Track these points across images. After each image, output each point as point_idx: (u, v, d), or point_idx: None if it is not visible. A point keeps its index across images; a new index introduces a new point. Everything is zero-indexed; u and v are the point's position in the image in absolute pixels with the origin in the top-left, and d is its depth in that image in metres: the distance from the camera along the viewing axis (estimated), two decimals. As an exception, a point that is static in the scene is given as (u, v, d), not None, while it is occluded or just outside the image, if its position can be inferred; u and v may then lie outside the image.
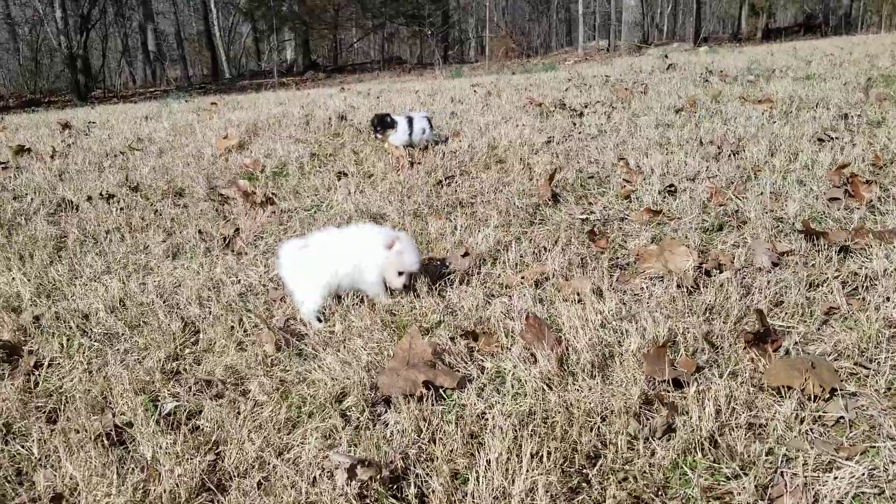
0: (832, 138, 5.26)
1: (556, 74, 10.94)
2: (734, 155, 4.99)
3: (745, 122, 5.93)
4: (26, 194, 5.18)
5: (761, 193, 4.08)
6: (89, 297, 3.29)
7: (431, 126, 5.94)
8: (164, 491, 1.94)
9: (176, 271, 3.57)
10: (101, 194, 4.84)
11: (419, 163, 5.43)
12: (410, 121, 5.79)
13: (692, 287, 2.97)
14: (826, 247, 3.19)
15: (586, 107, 7.24)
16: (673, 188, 4.37)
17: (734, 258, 3.21)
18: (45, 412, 2.43)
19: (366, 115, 7.48)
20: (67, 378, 2.63)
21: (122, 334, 2.96)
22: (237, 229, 4.12)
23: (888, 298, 2.71)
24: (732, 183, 4.38)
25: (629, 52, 24.73)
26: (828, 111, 6.09)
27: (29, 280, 3.56)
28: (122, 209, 4.67)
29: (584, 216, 4.06)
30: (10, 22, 37.73)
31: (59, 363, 2.77)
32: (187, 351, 2.80)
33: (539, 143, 5.88)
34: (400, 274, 2.98)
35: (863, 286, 2.89)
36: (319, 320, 2.96)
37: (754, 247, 3.28)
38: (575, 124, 6.51)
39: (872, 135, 5.23)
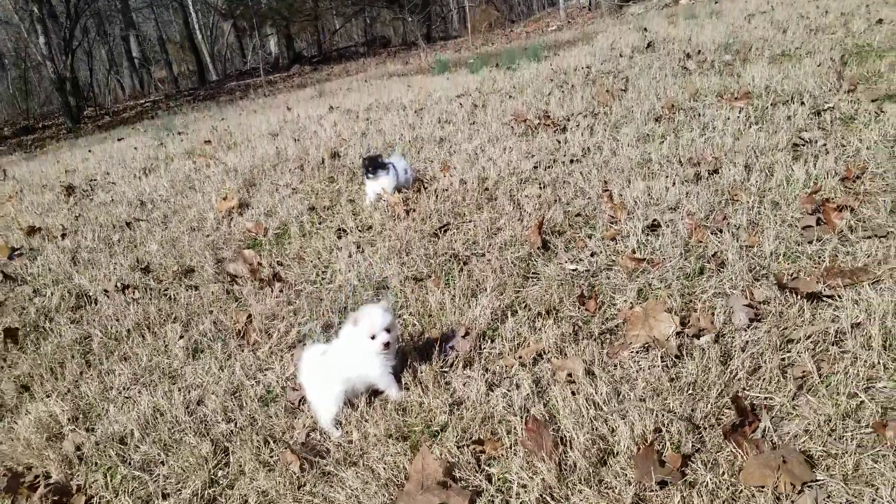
0: (806, 142, 5.43)
1: (538, 70, 11.04)
2: (713, 174, 5.17)
3: (722, 126, 6.09)
4: (45, 287, 5.45)
5: (738, 227, 4.28)
6: (122, 419, 3.56)
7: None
8: None
9: (198, 378, 3.83)
10: (116, 286, 5.09)
11: (414, 209, 5.64)
12: (393, 166, 5.96)
13: (676, 356, 3.21)
14: (798, 298, 3.41)
15: (569, 119, 7.39)
16: (656, 224, 4.58)
17: (714, 317, 3.43)
18: (103, 560, 2.71)
19: (357, 150, 7.68)
20: (117, 517, 2.91)
21: (159, 459, 3.23)
22: (249, 316, 4.36)
23: (856, 359, 2.94)
24: (712, 212, 4.58)
25: (610, 11, 24.71)
26: (803, 106, 6.24)
27: (62, 399, 3.83)
28: (137, 300, 4.92)
29: (573, 267, 4.28)
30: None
31: (107, 499, 3.05)
32: (220, 474, 3.07)
33: (527, 171, 6.08)
34: (373, 337, 3.19)
35: (833, 342, 3.11)
36: (338, 428, 3.21)
37: (732, 303, 3.51)
38: (559, 142, 6.69)
39: (845, 136, 5.39)
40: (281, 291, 4.69)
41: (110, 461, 3.27)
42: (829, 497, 2.36)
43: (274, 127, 10.59)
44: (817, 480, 2.42)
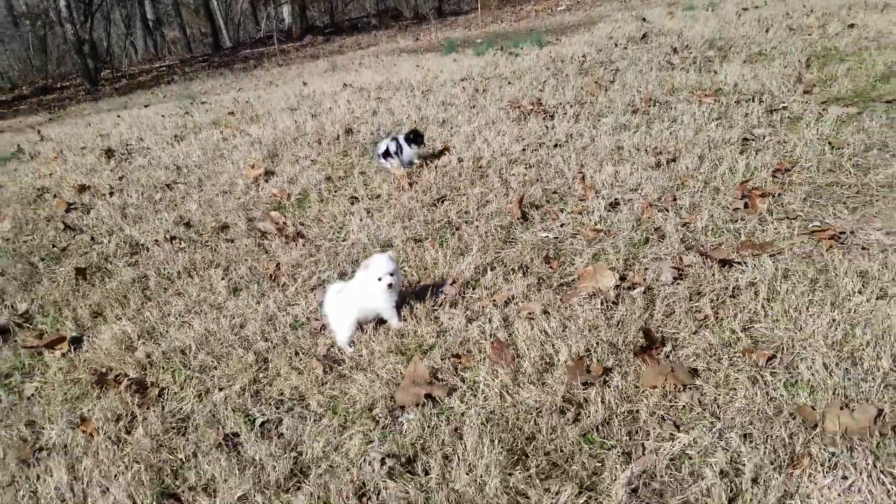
0: (755, 137, 6.37)
1: (538, 57, 11.91)
2: (672, 163, 6.12)
3: (688, 121, 7.02)
4: (101, 236, 6.43)
5: (681, 208, 5.24)
6: (182, 335, 4.55)
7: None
8: (271, 480, 3.22)
9: (240, 308, 4.82)
10: (165, 237, 6.07)
11: (416, 182, 6.61)
12: (399, 144, 6.95)
13: (613, 302, 4.18)
14: (713, 263, 4.38)
15: (558, 107, 8.31)
16: (617, 202, 5.54)
17: (646, 275, 4.41)
18: (177, 428, 3.71)
19: (369, 128, 8.62)
20: (185, 403, 3.91)
21: (213, 366, 4.22)
22: (278, 264, 5.34)
23: (744, 308, 3.91)
24: (664, 194, 5.54)
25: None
26: (760, 105, 7.16)
27: (132, 322, 4.83)
28: (183, 249, 5.90)
29: (545, 235, 5.25)
30: (14, 14, 38.43)
31: (174, 391, 4.05)
32: (261, 376, 4.06)
33: (516, 153, 7.02)
34: (380, 279, 4.16)
35: (735, 293, 4.08)
36: (351, 346, 4.20)
37: (663, 265, 4.48)
38: (547, 128, 7.62)
39: (788, 134, 6.33)
40: (303, 246, 5.66)
41: (175, 365, 4.26)
42: (702, 395, 3.34)
43: (292, 102, 11.51)
44: (696, 385, 3.40)
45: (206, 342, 4.47)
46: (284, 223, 6.07)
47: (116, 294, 5.30)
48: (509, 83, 10.18)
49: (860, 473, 2.71)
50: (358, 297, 4.22)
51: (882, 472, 2.71)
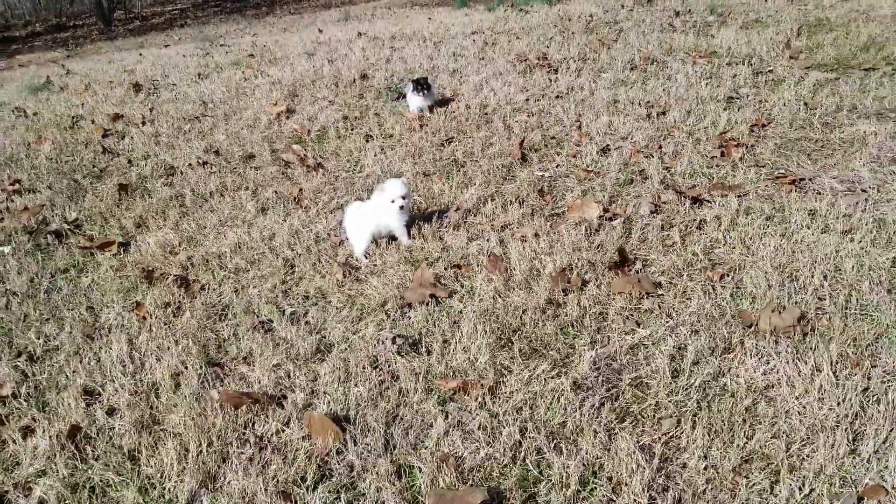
0: (739, 96, 6.94)
1: (547, 14, 12.37)
2: (661, 115, 6.70)
3: (681, 79, 7.58)
4: (137, 160, 7.05)
5: (664, 154, 5.85)
6: (218, 244, 5.19)
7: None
8: (300, 353, 3.88)
9: (268, 223, 5.45)
10: (197, 161, 6.69)
11: (426, 125, 7.20)
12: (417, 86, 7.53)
13: (595, 229, 4.82)
14: (687, 200, 5.00)
15: (562, 62, 8.86)
16: (608, 148, 6.14)
17: (626, 209, 5.03)
18: (218, 314, 4.37)
19: (383, 74, 9.17)
20: (224, 296, 4.56)
21: (247, 269, 4.87)
22: (301, 189, 5.97)
23: (707, 235, 4.55)
24: (651, 142, 6.14)
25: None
26: (749, 67, 7.72)
27: (173, 231, 5.47)
28: (215, 173, 6.52)
29: (541, 173, 5.87)
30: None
31: (213, 287, 4.70)
32: (289, 279, 4.71)
33: (520, 102, 7.60)
34: (393, 202, 4.80)
35: (702, 225, 4.72)
36: (366, 257, 4.85)
37: (641, 201, 5.10)
38: (550, 81, 8.18)
39: (769, 95, 6.90)
40: (323, 175, 6.28)
41: (213, 267, 4.91)
42: (662, 301, 3.99)
43: (308, 48, 12.02)
44: (658, 294, 4.05)
45: (239, 249, 5.11)
46: (305, 155, 6.68)
47: (156, 208, 5.94)
48: (517, 38, 10.68)
49: (780, 359, 3.37)
50: (373, 216, 4.85)
51: (797, 359, 3.36)
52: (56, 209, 6.11)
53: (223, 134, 7.52)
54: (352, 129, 7.39)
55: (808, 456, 2.82)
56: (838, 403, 3.05)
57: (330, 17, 19.74)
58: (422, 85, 7.50)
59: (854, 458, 2.81)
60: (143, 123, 8.13)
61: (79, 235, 5.57)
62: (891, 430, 2.89)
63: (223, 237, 5.30)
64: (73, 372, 3.93)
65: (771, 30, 9.22)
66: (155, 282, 4.77)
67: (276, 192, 6.01)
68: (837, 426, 2.93)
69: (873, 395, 3.09)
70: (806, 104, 6.49)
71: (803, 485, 2.70)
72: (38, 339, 4.29)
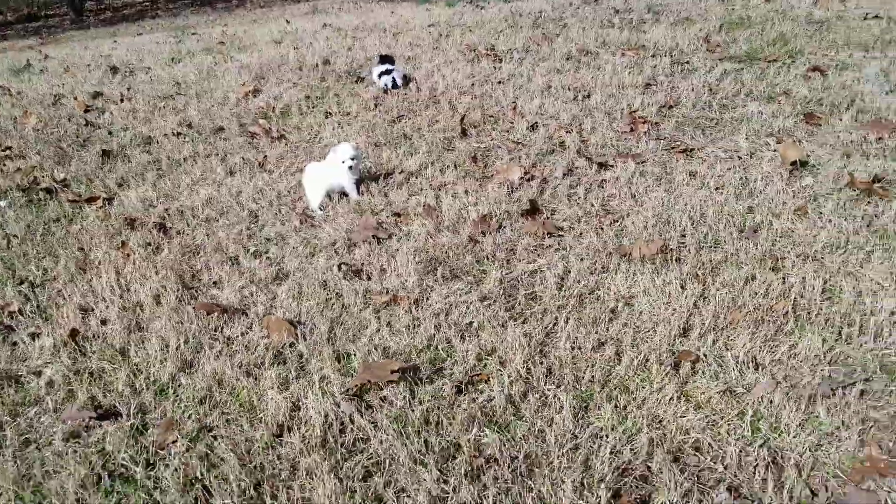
0: (656, 83, 7.89)
1: (500, 10, 13.27)
2: (586, 98, 7.62)
3: (609, 69, 8.51)
4: (117, 131, 7.79)
5: (583, 129, 6.76)
6: (191, 199, 5.98)
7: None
8: (262, 278, 4.69)
9: (235, 183, 6.25)
10: (172, 133, 7.45)
11: (380, 105, 8.04)
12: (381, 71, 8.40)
13: (516, 188, 5.69)
14: (594, 164, 5.90)
15: (508, 52, 9.76)
16: (536, 125, 7.03)
17: (544, 172, 5.92)
18: (193, 253, 5.16)
19: (344, 60, 9.99)
20: (197, 238, 5.35)
21: (217, 218, 5.67)
22: (265, 156, 6.77)
23: (605, 192, 5.45)
24: (573, 120, 7.04)
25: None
26: (670, 59, 8.68)
27: (151, 188, 6.25)
28: (188, 142, 7.29)
29: (477, 145, 6.74)
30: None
31: (187, 233, 5.49)
32: (253, 226, 5.52)
33: (466, 86, 8.47)
34: (343, 162, 5.63)
35: (603, 184, 5.62)
36: (321, 210, 5.67)
37: (557, 166, 6.00)
38: (495, 68, 9.07)
39: (681, 81, 7.85)
40: (285, 145, 7.09)
41: (187, 217, 5.70)
42: (561, 240, 4.87)
43: (276, 37, 12.78)
44: (559, 235, 4.94)
45: (210, 203, 5.90)
46: (270, 128, 7.48)
47: (136, 171, 6.70)
48: (470, 31, 11.57)
49: (643, 276, 4.27)
50: (327, 174, 5.68)
51: (656, 276, 4.26)
52: (45, 171, 6.84)
53: (195, 110, 8.29)
54: (313, 107, 8.20)
55: (649, 339, 3.72)
56: (680, 306, 3.95)
57: (298, 10, 20.46)
58: (387, 60, 8.40)
59: (683, 339, 3.71)
60: (122, 101, 8.86)
61: (68, 192, 6.32)
62: (714, 322, 3.79)
63: (196, 193, 6.09)
64: (70, 294, 4.69)
65: (697, 26, 10.21)
66: (137, 227, 5.55)
67: (242, 158, 6.80)
68: (674, 320, 3.83)
69: (706, 300, 3.99)
70: (710, 89, 7.45)
71: (641, 356, 3.59)
72: (38, 270, 5.05)
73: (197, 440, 3.34)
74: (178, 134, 7.46)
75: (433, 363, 3.76)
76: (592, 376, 3.50)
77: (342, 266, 4.70)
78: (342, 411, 3.42)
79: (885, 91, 6.98)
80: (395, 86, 8.44)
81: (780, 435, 3.07)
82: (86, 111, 8.57)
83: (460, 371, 3.65)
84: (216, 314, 4.29)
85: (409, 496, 2.92)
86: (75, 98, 9.02)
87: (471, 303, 4.20)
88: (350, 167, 5.62)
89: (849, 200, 4.93)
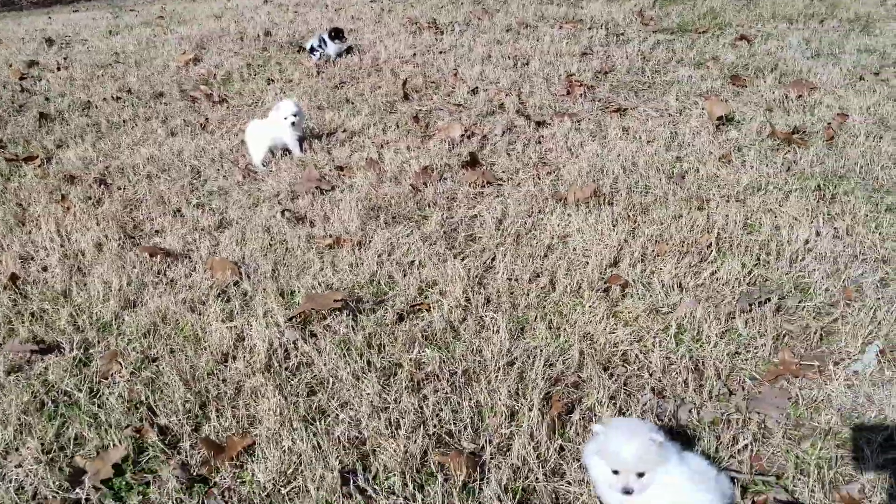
0: (593, 52, 8.11)
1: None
2: (525, 65, 7.80)
3: (547, 39, 8.71)
4: (54, 97, 7.66)
5: (521, 93, 6.93)
6: (132, 158, 5.96)
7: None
8: (204, 226, 4.73)
9: (177, 143, 6.24)
10: (111, 97, 7.37)
11: (323, 72, 8.08)
12: (322, 40, 8.41)
13: (458, 143, 5.83)
14: (532, 123, 6.07)
15: (450, 25, 9.88)
16: (477, 89, 7.18)
17: (484, 130, 6.07)
18: (134, 206, 5.16)
19: (286, 32, 9.98)
20: (139, 192, 5.35)
21: (158, 175, 5.66)
22: (207, 118, 6.76)
23: (543, 147, 5.63)
24: (513, 85, 7.21)
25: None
26: (605, 31, 8.92)
27: (91, 149, 6.19)
28: (128, 106, 7.22)
29: (419, 108, 6.85)
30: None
31: (129, 188, 5.47)
32: (195, 181, 5.53)
33: (408, 56, 8.56)
34: (285, 118, 5.68)
35: (541, 140, 5.79)
36: (264, 166, 5.71)
37: (496, 125, 6.15)
38: (437, 40, 9.18)
39: (616, 50, 8.10)
40: (228, 109, 7.08)
41: (128, 174, 5.68)
42: (500, 189, 5.03)
43: (217, 12, 12.64)
44: (498, 184, 5.09)
45: (151, 161, 5.89)
46: (211, 93, 7.46)
47: (74, 133, 6.62)
48: (412, 6, 11.65)
49: (577, 217, 4.45)
50: (269, 131, 5.72)
51: (589, 216, 4.45)
52: (-21, 134, 6.71)
53: (135, 77, 8.20)
54: (255, 75, 8.20)
55: (581, 270, 3.89)
56: (611, 241, 4.14)
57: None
58: (338, 33, 8.41)
59: (613, 269, 3.90)
60: (59, 69, 8.69)
61: (4, 152, 6.21)
62: (642, 253, 3.99)
63: (136, 153, 6.06)
64: (9, 245, 4.65)
65: (632, 2, 10.50)
66: (76, 183, 5.51)
67: (184, 120, 6.78)
68: (606, 252, 4.02)
69: (636, 236, 4.19)
70: (644, 57, 7.71)
71: (574, 283, 3.76)
72: (-26, 224, 4.98)
73: (141, 369, 3.38)
74: (118, 98, 7.39)
75: (376, 296, 3.87)
76: (528, 303, 3.66)
77: (285, 213, 4.77)
78: (286, 339, 3.51)
79: (806, 56, 7.34)
80: (324, 55, 8.53)
81: (701, 345, 3.27)
82: (21, 79, 8.38)
83: (402, 301, 3.77)
84: (159, 257, 4.32)
85: (351, 408, 3.03)
86: (10, 66, 8.81)
87: (412, 243, 4.32)
88: (292, 123, 5.67)
89: (770, 149, 5.20)
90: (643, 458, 2.17)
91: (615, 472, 2.21)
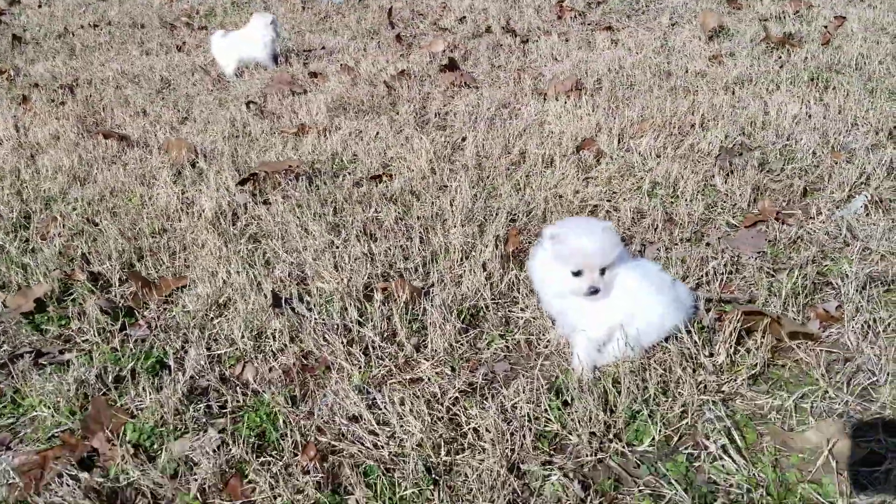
0: None
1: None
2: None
3: None
4: (32, 27, 7.48)
5: (510, 20, 6.70)
6: (102, 72, 5.76)
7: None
8: (165, 119, 4.52)
9: (149, 61, 6.04)
10: (89, 24, 7.18)
11: (310, 7, 7.87)
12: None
13: (441, 58, 5.61)
14: (516, 39, 5.85)
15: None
16: (464, 18, 6.96)
17: (468, 46, 5.85)
18: (99, 108, 4.95)
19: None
20: (105, 97, 5.15)
21: (126, 85, 5.46)
22: (184, 42, 6.56)
23: (527, 57, 5.40)
24: (501, 13, 6.98)
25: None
26: None
27: (61, 65, 5.99)
28: (106, 33, 7.03)
29: (405, 33, 6.63)
30: None
31: (95, 94, 5.27)
32: (164, 90, 5.33)
33: (397, -4, 8.35)
34: (259, 31, 5.47)
35: (526, 53, 5.57)
36: (235, 75, 5.50)
37: (481, 43, 5.93)
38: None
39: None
40: (207, 34, 6.88)
41: (95, 83, 5.48)
42: (480, 91, 4.80)
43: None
44: (477, 87, 4.86)
45: (121, 74, 5.69)
46: (192, 23, 7.25)
47: (47, 53, 6.43)
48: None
49: (556, 105, 4.22)
50: (242, 45, 5.52)
51: (567, 103, 4.22)
52: (-51, 53, 6.53)
53: (116, 11, 8.01)
54: (239, 10, 7.99)
55: (556, 145, 3.66)
56: (589, 122, 3.91)
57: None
58: None
59: (586, 153, 3.66)
60: (40, 6, 8.52)
61: (-29, 67, 6.03)
62: (621, 131, 3.76)
63: (107, 67, 5.86)
64: (-37, 137, 4.46)
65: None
66: (41, 88, 5.31)
67: (160, 43, 6.59)
68: (583, 130, 3.79)
69: (616, 118, 3.96)
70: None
71: (546, 155, 3.54)
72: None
73: (82, 232, 3.17)
74: (95, 26, 7.20)
75: (336, 168, 3.66)
76: (496, 174, 3.44)
77: (250, 105, 4.57)
78: (236, 201, 3.30)
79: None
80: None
81: (675, 201, 3.04)
82: (1, 13, 8.21)
83: (363, 173, 3.56)
84: (114, 140, 4.12)
85: (297, 252, 2.82)
86: (-10, 0, 8.67)
87: (381, 127, 4.11)
88: (267, 36, 5.47)
89: (763, 52, 4.96)
90: (605, 251, 1.94)
91: (576, 275, 1.96)
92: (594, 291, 1.94)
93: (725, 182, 3.13)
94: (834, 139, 3.44)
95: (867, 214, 2.79)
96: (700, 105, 3.98)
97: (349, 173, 3.56)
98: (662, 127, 3.77)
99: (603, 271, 1.96)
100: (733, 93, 4.25)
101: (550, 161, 3.51)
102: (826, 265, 2.50)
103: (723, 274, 2.47)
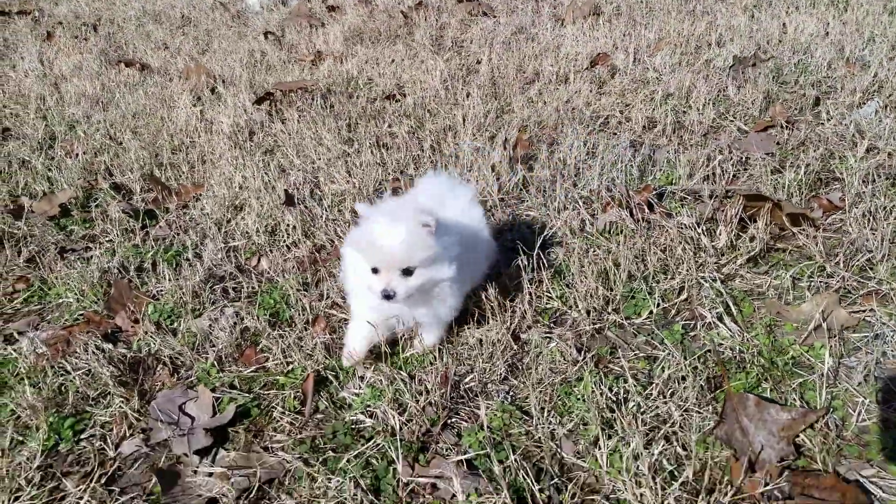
0: None
1: None
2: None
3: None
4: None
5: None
6: (125, 10, 5.82)
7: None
8: (186, 50, 4.59)
9: (171, 1, 6.09)
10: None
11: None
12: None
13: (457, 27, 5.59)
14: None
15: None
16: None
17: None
18: (121, 44, 5.03)
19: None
20: (127, 33, 5.21)
21: (148, 22, 5.52)
22: (205, -17, 6.59)
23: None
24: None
25: None
26: None
27: (84, 4, 6.07)
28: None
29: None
30: None
31: (116, 32, 5.34)
32: (185, 26, 5.38)
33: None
34: None
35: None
36: (259, 9, 5.54)
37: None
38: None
39: None
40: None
41: (118, 21, 5.55)
42: (497, 18, 4.79)
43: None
44: (494, 16, 4.85)
45: (143, 13, 5.75)
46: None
47: (70, -4, 6.52)
48: None
49: (575, 29, 4.21)
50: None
51: (584, 26, 4.20)
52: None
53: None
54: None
55: (571, 64, 3.66)
56: (605, 42, 3.90)
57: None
58: None
59: (601, 68, 3.66)
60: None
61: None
62: (637, 49, 3.75)
63: (129, 7, 5.92)
64: (-8, 70, 4.57)
65: None
66: (66, 28, 5.39)
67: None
68: (598, 49, 3.78)
69: (633, 38, 3.94)
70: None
71: (560, 72, 3.54)
72: (-42, 56, 4.89)
73: (104, 149, 3.26)
74: (117, -31, 7.24)
75: (350, 89, 3.70)
76: (511, 92, 3.46)
77: (268, 35, 4.61)
78: (253, 119, 3.36)
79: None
80: None
81: (687, 111, 3.05)
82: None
83: (377, 93, 3.60)
84: (136, 68, 4.20)
85: (312, 161, 2.88)
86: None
87: (396, 52, 4.14)
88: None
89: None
90: (410, 250, 1.54)
91: (375, 272, 1.58)
92: (387, 297, 1.55)
93: (738, 92, 3.12)
94: (850, 52, 3.41)
95: (879, 119, 2.78)
96: (717, 26, 3.95)
97: (364, 94, 3.60)
98: (678, 45, 3.76)
99: (410, 272, 1.57)
100: (752, 16, 4.21)
101: (565, 78, 3.52)
102: (833, 164, 2.50)
103: (728, 172, 2.49)
